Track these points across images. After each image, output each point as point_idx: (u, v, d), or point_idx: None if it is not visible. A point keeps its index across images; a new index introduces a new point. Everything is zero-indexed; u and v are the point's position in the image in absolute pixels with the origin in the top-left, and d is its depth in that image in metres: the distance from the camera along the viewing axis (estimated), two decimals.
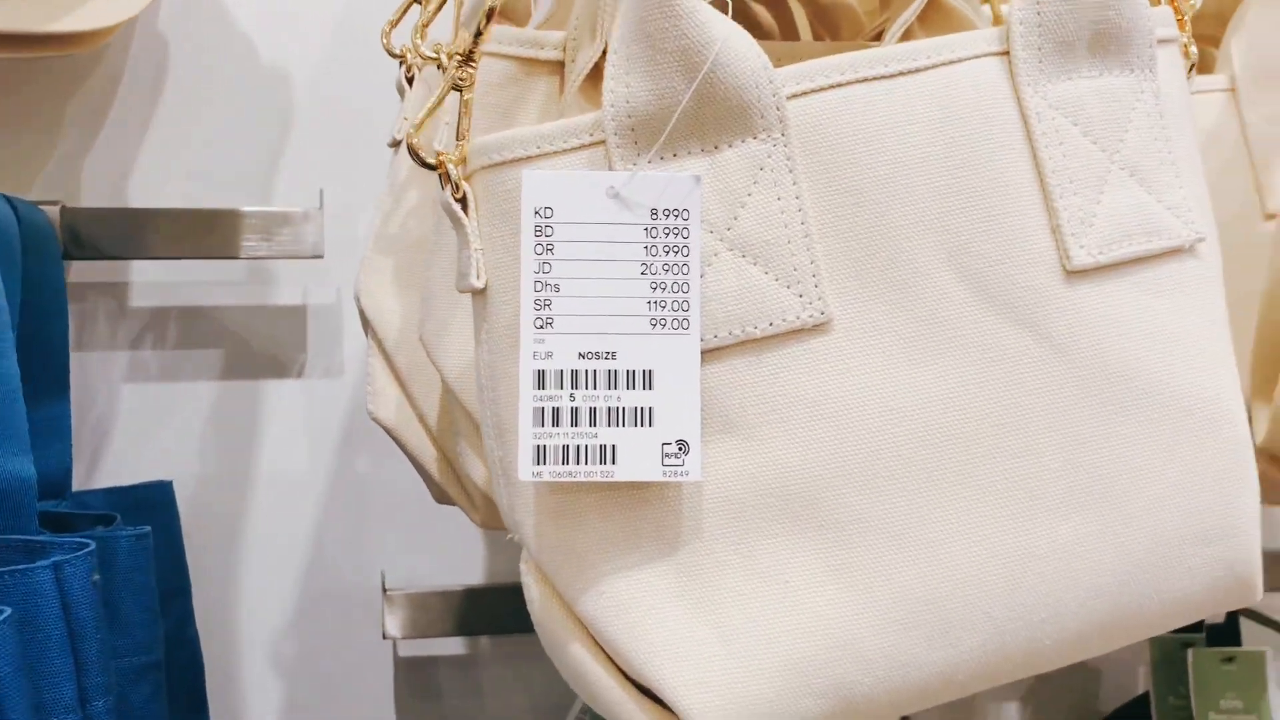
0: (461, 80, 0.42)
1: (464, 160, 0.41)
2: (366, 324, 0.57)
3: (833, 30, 0.61)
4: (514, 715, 0.82)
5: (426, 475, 0.57)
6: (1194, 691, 0.81)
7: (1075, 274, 0.41)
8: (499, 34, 0.50)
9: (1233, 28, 0.65)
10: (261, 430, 0.79)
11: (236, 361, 0.79)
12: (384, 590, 0.75)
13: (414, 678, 0.82)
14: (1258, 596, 0.43)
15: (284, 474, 0.79)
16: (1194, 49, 0.47)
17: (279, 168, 0.79)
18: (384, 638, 0.76)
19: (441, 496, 0.58)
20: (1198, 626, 0.85)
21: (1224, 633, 0.84)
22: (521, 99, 0.51)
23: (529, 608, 0.42)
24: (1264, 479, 0.57)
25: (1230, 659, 0.81)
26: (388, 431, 0.57)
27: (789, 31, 0.64)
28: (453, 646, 0.82)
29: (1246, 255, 0.59)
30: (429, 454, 0.56)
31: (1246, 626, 0.83)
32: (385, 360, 0.56)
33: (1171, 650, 0.85)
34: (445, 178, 0.41)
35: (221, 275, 0.78)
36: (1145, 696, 0.87)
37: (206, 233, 0.72)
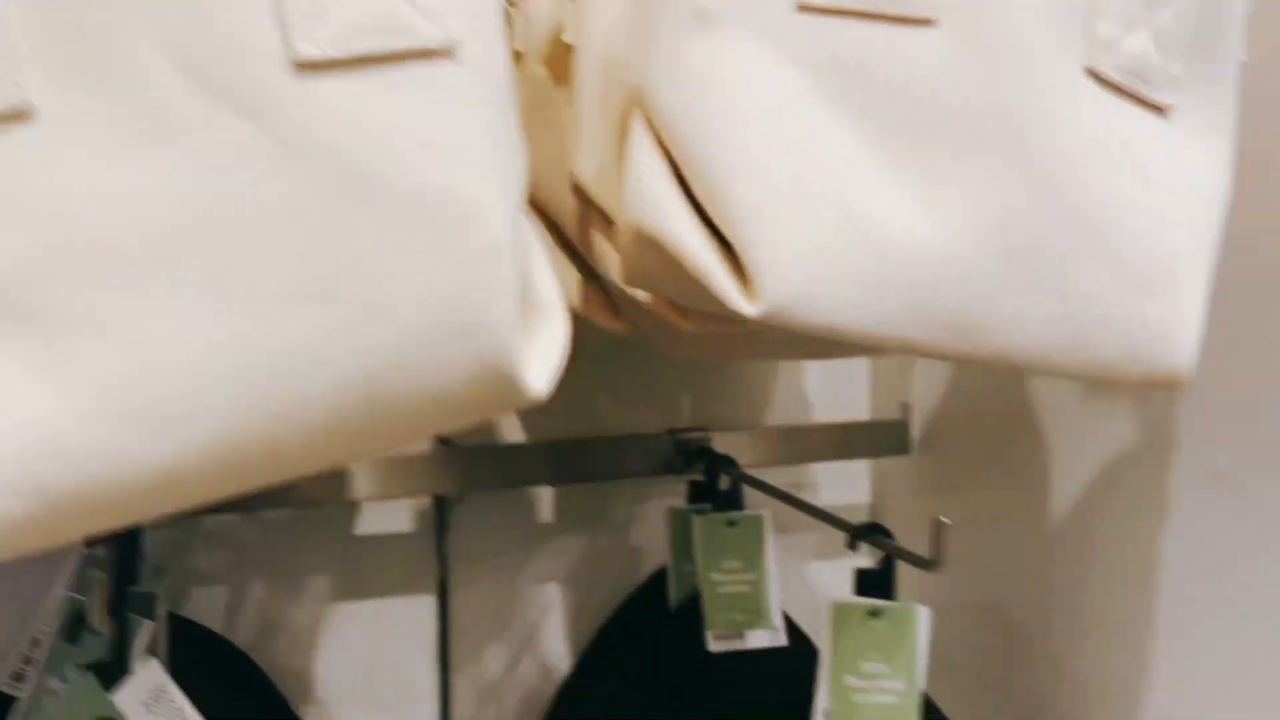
0: None
1: None
2: None
3: None
4: None
5: None
6: (699, 555, 0.85)
7: (306, 68, 0.40)
8: None
9: None
10: None
11: None
12: None
13: None
14: (529, 395, 0.43)
15: None
16: None
17: None
18: None
19: None
20: (710, 498, 0.89)
21: (728, 500, 0.89)
22: None
23: None
24: (652, 315, 0.59)
25: (733, 523, 0.86)
26: None
27: None
28: None
29: None
30: None
31: (751, 494, 0.88)
32: None
33: (685, 520, 0.89)
34: None
35: None
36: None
37: None
